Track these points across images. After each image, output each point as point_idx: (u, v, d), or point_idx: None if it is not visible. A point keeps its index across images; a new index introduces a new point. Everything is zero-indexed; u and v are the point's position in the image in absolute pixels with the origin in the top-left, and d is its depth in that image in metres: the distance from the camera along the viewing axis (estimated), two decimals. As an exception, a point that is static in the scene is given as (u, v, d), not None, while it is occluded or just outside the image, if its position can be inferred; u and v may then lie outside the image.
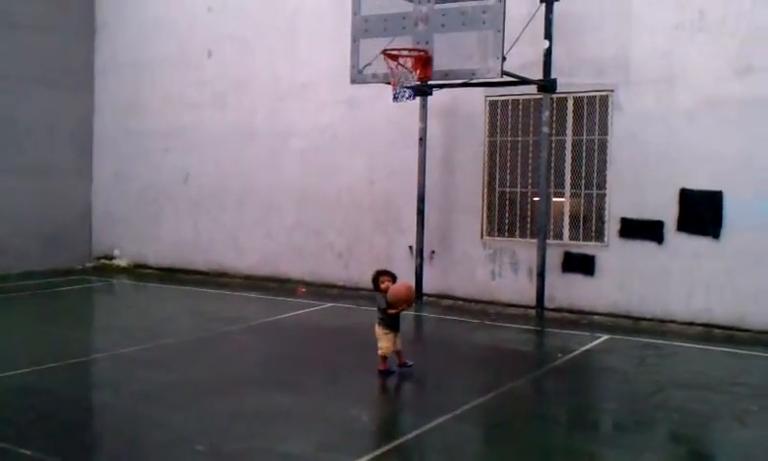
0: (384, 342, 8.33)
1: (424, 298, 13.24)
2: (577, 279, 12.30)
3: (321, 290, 14.35)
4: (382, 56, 11.11)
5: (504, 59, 10.79)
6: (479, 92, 12.83)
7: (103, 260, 17.57)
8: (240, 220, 15.81)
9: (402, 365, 8.47)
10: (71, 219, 17.38)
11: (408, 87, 11.37)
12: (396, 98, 11.26)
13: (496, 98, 12.94)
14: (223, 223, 16.04)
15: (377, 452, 6.19)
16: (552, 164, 12.40)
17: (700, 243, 11.43)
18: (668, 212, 11.63)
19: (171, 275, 16.29)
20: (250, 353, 9.74)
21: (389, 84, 11.33)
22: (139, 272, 16.81)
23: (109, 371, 9.10)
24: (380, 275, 8.50)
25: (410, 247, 13.56)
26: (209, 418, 6.98)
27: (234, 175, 15.82)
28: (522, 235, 12.83)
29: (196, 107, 16.24)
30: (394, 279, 8.48)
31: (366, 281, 14.01)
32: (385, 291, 8.31)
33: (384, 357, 8.34)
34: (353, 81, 11.99)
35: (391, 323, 8.33)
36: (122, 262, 17.31)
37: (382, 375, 8.32)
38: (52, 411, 7.19)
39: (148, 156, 16.94)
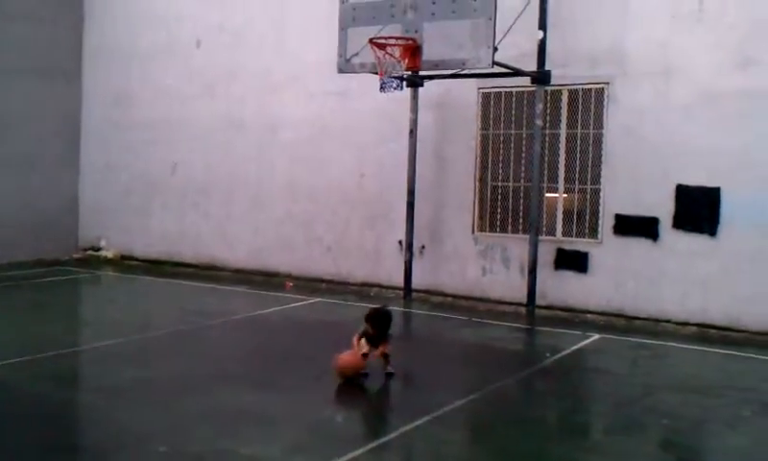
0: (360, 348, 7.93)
1: (413, 294, 12.94)
2: (570, 277, 11.99)
3: (309, 284, 14.05)
4: (369, 45, 10.80)
5: (496, 49, 10.48)
6: (472, 84, 12.51)
7: (89, 252, 17.27)
8: (228, 212, 15.51)
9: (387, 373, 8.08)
10: (57, 210, 17.07)
11: (396, 78, 11.06)
12: (383, 88, 10.94)
13: (489, 90, 12.62)
14: (211, 215, 15.74)
15: (348, 456, 5.88)
16: (545, 158, 12.10)
17: (696, 241, 11.12)
18: (664, 209, 11.32)
19: (158, 267, 15.99)
20: (228, 349, 9.43)
21: (377, 74, 11.02)
22: (126, 264, 16.51)
23: (81, 366, 8.86)
24: (367, 320, 8.00)
25: (399, 242, 13.25)
26: (177, 417, 6.70)
27: (223, 167, 15.52)
28: (515, 231, 12.52)
29: (184, 98, 15.92)
30: (374, 326, 7.92)
31: (354, 277, 13.91)
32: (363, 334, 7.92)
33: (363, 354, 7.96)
34: (341, 70, 11.70)
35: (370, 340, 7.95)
36: (108, 254, 17.01)
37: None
38: (13, 409, 6.91)
39: (136, 147, 16.62)
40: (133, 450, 5.93)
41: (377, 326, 7.94)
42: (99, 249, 17.19)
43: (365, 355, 7.88)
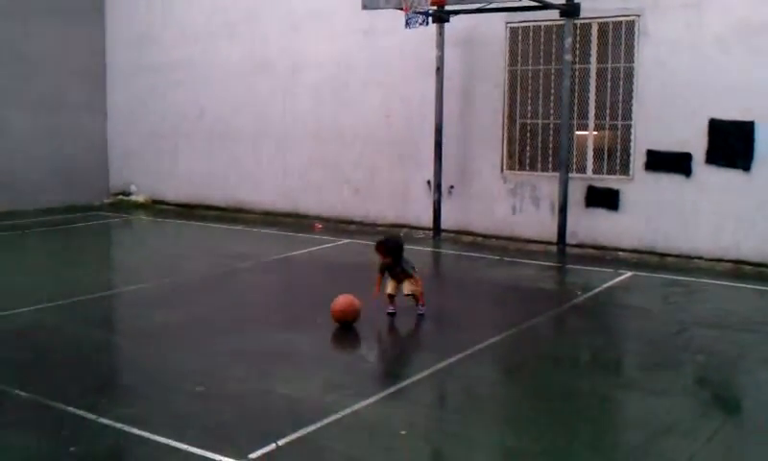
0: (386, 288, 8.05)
1: (443, 234, 12.90)
2: (601, 214, 11.87)
3: (338, 226, 14.06)
4: (396, -20, 10.61)
5: (525, -19, 10.25)
6: (499, 19, 12.28)
7: (120, 196, 17.39)
8: (256, 155, 15.49)
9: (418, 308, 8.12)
10: (87, 155, 17.16)
11: (421, 13, 10.86)
12: (408, 24, 10.79)
13: (517, 25, 12.37)
14: (238, 158, 15.72)
15: (382, 394, 5.93)
16: (575, 94, 11.89)
17: (729, 176, 10.93)
18: (696, 144, 11.11)
19: (188, 210, 16.09)
20: (258, 291, 9.50)
21: (402, 9, 10.83)
22: (157, 208, 16.62)
23: (115, 309, 8.96)
24: (377, 250, 8.07)
25: (428, 181, 13.18)
26: (211, 358, 6.76)
27: (248, 109, 15.45)
28: (544, 169, 12.38)
29: (208, 37, 15.81)
30: (385, 253, 7.98)
31: (383, 217, 13.87)
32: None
33: (389, 295, 8.03)
34: (365, 6, 11.56)
35: (389, 271, 8.03)
36: (139, 198, 17.11)
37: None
38: (52, 351, 7.02)
39: (161, 89, 16.59)
40: (172, 390, 6.00)
41: (389, 252, 7.95)
42: (129, 194, 17.30)
43: (391, 297, 7.95)
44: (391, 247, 8.04)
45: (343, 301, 7.67)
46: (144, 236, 14.48)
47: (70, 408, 5.52)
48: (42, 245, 12.72)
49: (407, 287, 7.98)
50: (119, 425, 5.25)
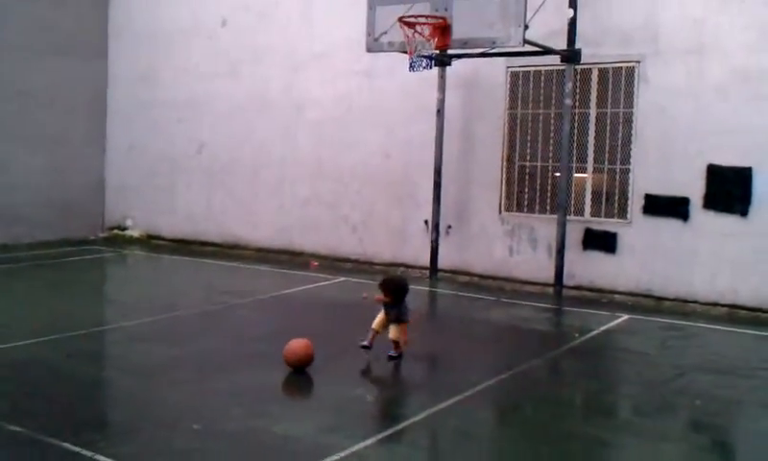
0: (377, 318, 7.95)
1: (440, 273, 12.89)
2: (598, 257, 11.89)
3: (334, 264, 14.05)
4: (398, 23, 10.72)
5: (526, 27, 10.38)
6: (500, 63, 12.40)
7: (116, 231, 17.38)
8: (253, 192, 15.52)
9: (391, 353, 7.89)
10: (84, 189, 17.17)
11: (425, 57, 10.97)
12: (412, 67, 10.87)
13: (518, 69, 12.49)
14: (236, 195, 15.75)
15: (380, 436, 5.88)
16: (575, 138, 11.97)
17: (727, 221, 10.98)
18: (694, 189, 11.18)
19: (184, 246, 16.07)
20: (255, 328, 9.45)
21: (405, 53, 10.95)
22: (152, 243, 16.60)
23: (112, 344, 8.89)
24: (381, 285, 8.00)
25: (426, 221, 13.21)
26: (207, 395, 6.72)
27: (248, 146, 15.51)
28: (542, 211, 12.42)
29: (210, 77, 15.92)
30: (387, 292, 7.86)
31: (380, 256, 13.87)
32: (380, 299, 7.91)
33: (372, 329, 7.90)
34: (369, 49, 11.64)
35: (386, 308, 7.92)
36: (135, 233, 17.11)
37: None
38: (48, 386, 6.95)
39: (161, 126, 16.66)
40: (168, 428, 5.94)
41: (392, 293, 7.81)
42: (125, 228, 17.29)
43: (375, 333, 7.84)
44: (395, 288, 7.91)
45: (296, 346, 7.45)
46: (139, 271, 14.45)
47: (66, 444, 5.45)
48: (36, 279, 12.66)
49: (393, 332, 7.81)
50: (115, 463, 5.20)
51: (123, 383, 7.31)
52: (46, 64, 16.20)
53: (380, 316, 7.92)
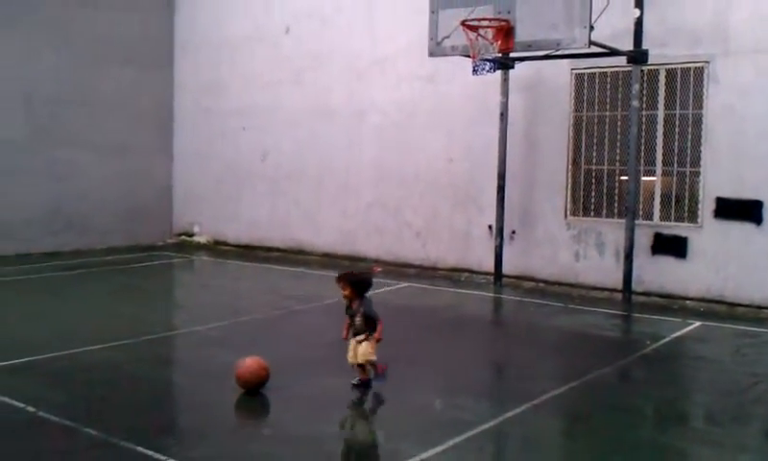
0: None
1: (504, 279, 12.78)
2: (668, 262, 11.63)
3: (397, 269, 14.02)
4: (461, 27, 10.65)
5: (592, 28, 10.20)
6: (564, 64, 12.23)
7: (183, 237, 17.69)
8: (317, 198, 15.61)
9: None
10: (153, 196, 17.54)
11: (488, 60, 10.87)
12: (475, 71, 10.78)
13: (583, 70, 12.31)
14: (300, 201, 15.87)
15: (450, 443, 5.82)
16: (642, 140, 11.74)
17: (803, 225, 10.65)
18: (767, 191, 10.86)
19: (249, 252, 16.26)
20: (321, 334, 9.45)
21: (468, 56, 10.89)
22: (218, 249, 16.84)
23: (181, 349, 9.04)
24: (337, 279, 7.10)
25: (489, 226, 13.10)
26: (274, 400, 6.75)
27: (312, 153, 15.62)
28: (609, 215, 12.21)
29: (273, 84, 16.09)
30: (345, 284, 7.00)
31: (444, 262, 13.82)
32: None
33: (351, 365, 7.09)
34: (432, 54, 11.59)
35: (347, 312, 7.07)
36: (201, 239, 17.39)
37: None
38: (120, 390, 7.09)
39: (226, 134, 16.91)
40: (238, 432, 6.02)
41: (349, 284, 6.96)
42: (192, 234, 17.59)
43: (361, 367, 6.99)
44: (352, 279, 7.01)
45: (251, 363, 6.97)
46: (206, 277, 14.67)
47: (140, 448, 5.54)
48: (106, 285, 12.94)
49: (362, 353, 6.94)
50: (188, 467, 5.27)
51: (192, 387, 7.40)
52: (114, 73, 16.59)
53: (350, 346, 7.07)
